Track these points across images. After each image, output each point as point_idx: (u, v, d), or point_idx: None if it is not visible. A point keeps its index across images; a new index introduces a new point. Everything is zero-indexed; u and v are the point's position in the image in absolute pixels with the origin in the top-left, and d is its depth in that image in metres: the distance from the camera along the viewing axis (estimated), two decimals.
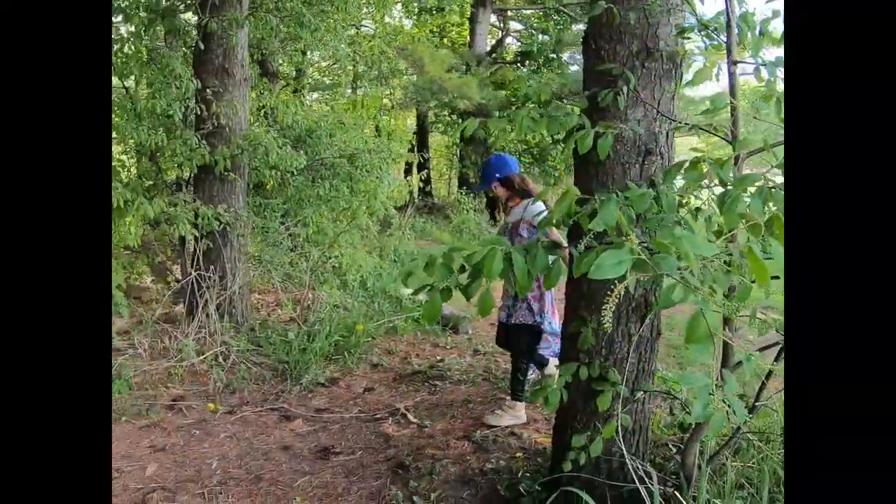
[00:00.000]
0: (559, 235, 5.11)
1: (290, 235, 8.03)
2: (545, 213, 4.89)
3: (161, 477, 4.78)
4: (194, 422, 5.64)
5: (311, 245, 8.45)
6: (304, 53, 12.39)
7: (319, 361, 6.79)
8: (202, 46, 7.22)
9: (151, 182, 7.45)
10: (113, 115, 7.42)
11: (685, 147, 3.93)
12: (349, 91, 18.72)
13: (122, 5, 7.55)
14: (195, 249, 7.16)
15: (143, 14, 7.49)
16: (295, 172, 7.70)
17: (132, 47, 7.29)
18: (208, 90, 7.19)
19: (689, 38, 3.59)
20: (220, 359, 6.62)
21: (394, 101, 18.92)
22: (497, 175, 5.62)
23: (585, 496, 3.48)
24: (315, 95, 19.01)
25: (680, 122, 3.62)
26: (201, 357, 6.59)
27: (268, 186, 7.65)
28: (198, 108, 7.20)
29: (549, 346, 5.71)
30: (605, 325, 2.59)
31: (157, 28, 7.52)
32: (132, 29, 7.45)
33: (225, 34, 7.29)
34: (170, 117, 7.14)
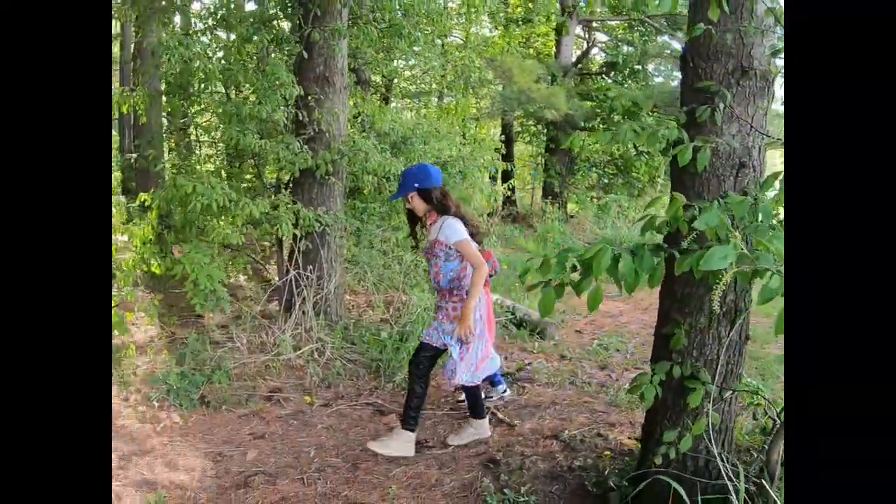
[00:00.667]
0: (474, 251, 5.03)
1: (383, 240, 8.28)
2: (463, 232, 4.94)
3: (262, 462, 5.06)
4: (291, 413, 5.91)
5: (402, 249, 8.70)
6: (395, 62, 12.69)
7: None
8: (305, 55, 7.53)
9: (248, 184, 7.77)
10: (217, 120, 7.76)
11: (772, 160, 4.05)
12: (436, 99, 18.98)
13: (226, 15, 7.94)
14: (293, 249, 7.44)
15: (246, 23, 7.85)
16: (391, 178, 7.95)
17: (237, 55, 7.63)
18: (310, 97, 7.49)
19: (781, 58, 3.71)
20: (316, 355, 6.89)
21: (480, 110, 19.12)
22: (416, 185, 5.19)
23: (675, 485, 3.63)
24: (399, 103, 19.33)
25: (772, 137, 3.77)
26: (298, 352, 6.86)
27: (365, 191, 7.91)
28: (299, 114, 7.50)
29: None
30: (715, 308, 2.73)
31: (261, 37, 7.84)
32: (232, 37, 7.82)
33: (326, 44, 7.58)
34: (274, 123, 7.46)
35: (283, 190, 7.69)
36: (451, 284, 5.13)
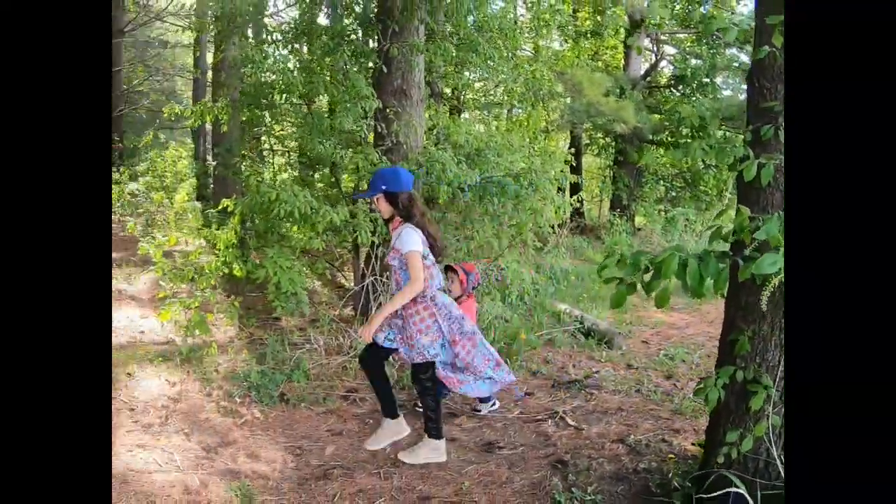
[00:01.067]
0: (418, 265, 4.97)
1: (456, 248, 8.49)
2: (415, 244, 4.93)
3: (339, 456, 5.31)
4: (367, 412, 6.16)
5: (471, 257, 8.90)
6: (466, 74, 12.94)
7: None
8: (384, 69, 7.82)
9: (322, 192, 8.05)
10: (297, 131, 8.07)
11: None
12: (506, 111, 19.16)
13: (306, 29, 8.26)
14: (370, 256, 7.71)
15: (325, 38, 8.17)
16: (465, 189, 8.18)
17: (317, 68, 7.95)
18: (388, 110, 7.77)
19: None
20: (393, 358, 7.13)
21: (550, 122, 19.25)
22: (383, 187, 5.12)
23: (737, 481, 3.79)
24: (470, 115, 19.57)
25: None
26: None
27: (440, 201, 8.13)
28: (378, 126, 7.79)
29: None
30: (763, 308, 2.89)
31: (341, 51, 8.15)
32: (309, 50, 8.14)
33: (404, 59, 7.87)
34: (354, 134, 7.76)
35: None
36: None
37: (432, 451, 5.27)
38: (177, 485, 4.72)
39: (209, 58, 24.98)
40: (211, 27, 11.13)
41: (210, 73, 22.28)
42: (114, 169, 17.47)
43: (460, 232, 8.70)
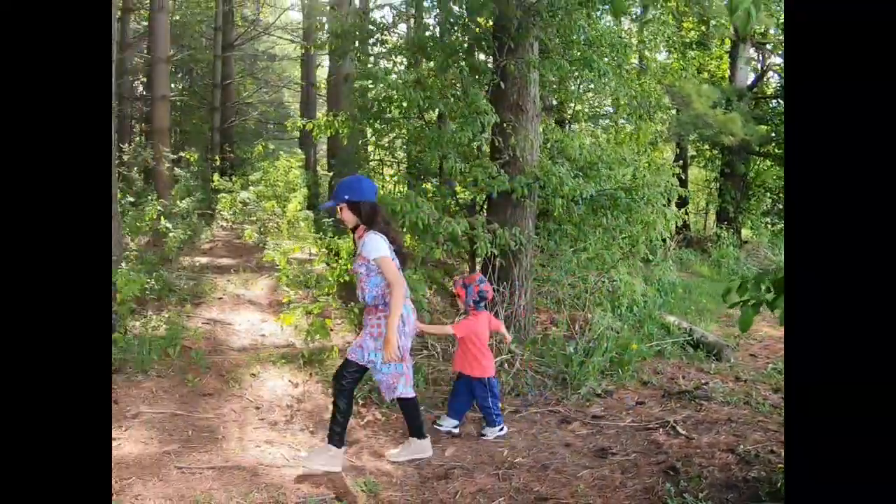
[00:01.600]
0: (393, 268, 5.01)
1: (569, 260, 8.64)
2: (383, 249, 4.93)
3: (459, 458, 5.55)
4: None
5: (583, 269, 9.03)
6: (576, 87, 13.05)
7: (595, 375, 7.38)
8: (502, 85, 8.05)
9: (435, 204, 8.28)
10: (416, 146, 8.35)
11: None
12: (614, 124, 19.16)
13: (424, 45, 8.54)
14: (488, 266, 7.92)
15: (441, 54, 8.43)
16: (579, 201, 8.33)
17: (434, 84, 8.21)
18: (505, 124, 8.00)
19: None
20: (506, 365, 7.34)
21: (657, 135, 19.20)
22: (346, 197, 5.14)
23: None
24: (578, 127, 19.62)
25: None
26: None
27: (555, 213, 8.28)
28: (496, 140, 8.02)
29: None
30: None
31: (460, 67, 8.40)
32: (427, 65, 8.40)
33: (520, 74, 8.08)
34: (473, 148, 8.01)
35: (479, 210, 8.20)
36: (375, 301, 5.11)
37: (330, 459, 5.21)
38: (305, 479, 5.01)
39: (320, 72, 25.63)
40: (323, 42, 11.52)
41: (318, 86, 22.90)
42: (225, 178, 18.08)
43: (577, 244, 8.86)
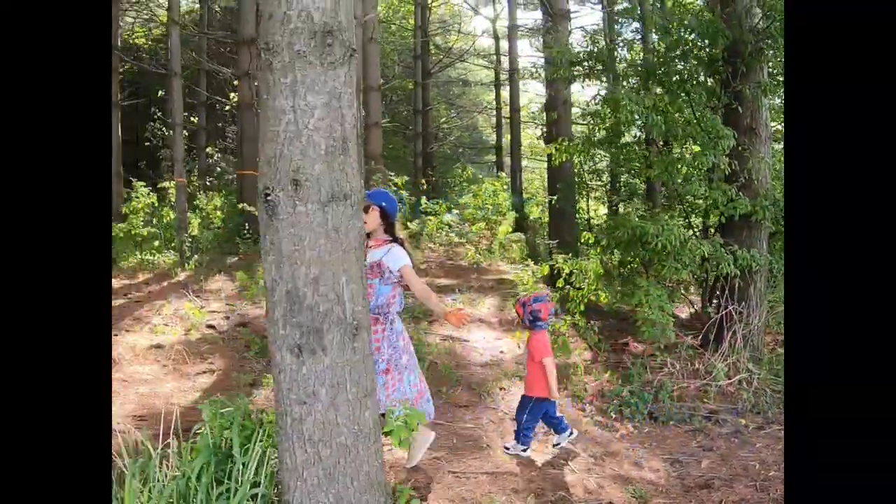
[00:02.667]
0: (418, 277, 5.31)
1: None
2: (407, 259, 5.16)
3: (714, 469, 5.79)
4: (730, 432, 6.55)
5: None
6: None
7: None
8: (739, 109, 8.23)
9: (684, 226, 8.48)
10: (652, 170, 8.61)
11: None
12: None
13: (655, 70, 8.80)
14: (725, 286, 8.09)
15: (676, 79, 8.68)
16: None
17: (668, 110, 8.44)
18: (739, 147, 8.15)
19: None
20: (744, 384, 7.49)
21: None
22: (383, 203, 5.41)
23: None
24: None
25: None
26: (729, 380, 7.50)
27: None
28: (732, 164, 8.18)
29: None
30: None
31: (698, 93, 8.62)
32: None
33: (753, 97, 8.22)
34: (713, 171, 8.21)
35: (714, 233, 8.38)
36: (379, 310, 5.27)
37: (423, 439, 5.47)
38: (576, 484, 5.38)
39: (523, 98, 26.13)
40: (535, 70, 11.82)
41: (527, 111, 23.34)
42: (428, 201, 18.74)
43: None
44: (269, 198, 3.59)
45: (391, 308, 5.34)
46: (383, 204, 5.41)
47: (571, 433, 6.13)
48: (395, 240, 5.42)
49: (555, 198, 13.94)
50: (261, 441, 4.16)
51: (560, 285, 9.22)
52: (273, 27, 3.53)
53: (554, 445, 6.10)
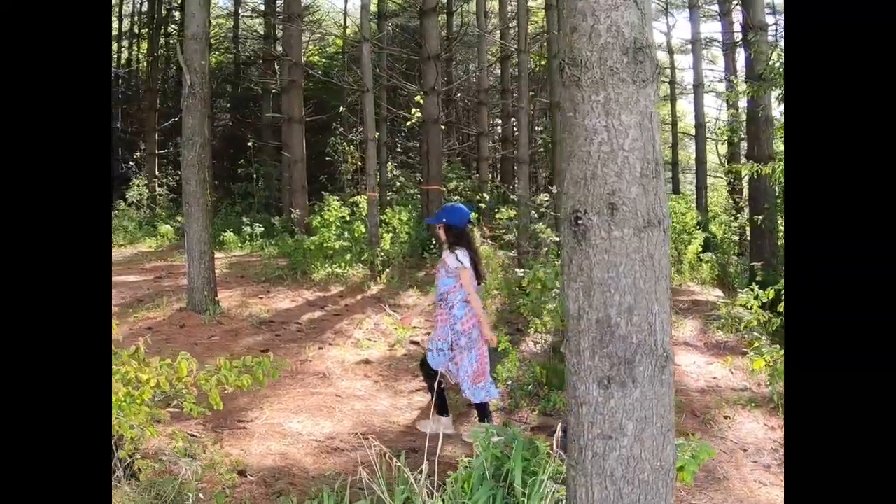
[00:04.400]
0: (469, 278, 6.23)
1: None
2: (467, 262, 6.20)
3: None
4: None
5: None
6: None
7: None
8: None
9: None
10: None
11: None
12: None
13: None
14: None
15: None
16: None
17: None
18: None
19: None
20: None
21: None
22: (445, 219, 6.44)
23: None
24: None
25: None
26: None
27: None
28: None
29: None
30: None
31: None
32: None
33: None
34: None
35: None
36: (440, 297, 6.40)
37: (438, 425, 6.20)
38: None
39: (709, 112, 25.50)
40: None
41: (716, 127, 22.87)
42: None
43: None
44: (580, 221, 3.43)
45: (449, 296, 6.34)
46: (444, 220, 6.47)
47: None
48: (464, 245, 6.38)
49: (760, 217, 13.38)
50: (540, 473, 4.05)
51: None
52: (579, 42, 3.37)
53: None
